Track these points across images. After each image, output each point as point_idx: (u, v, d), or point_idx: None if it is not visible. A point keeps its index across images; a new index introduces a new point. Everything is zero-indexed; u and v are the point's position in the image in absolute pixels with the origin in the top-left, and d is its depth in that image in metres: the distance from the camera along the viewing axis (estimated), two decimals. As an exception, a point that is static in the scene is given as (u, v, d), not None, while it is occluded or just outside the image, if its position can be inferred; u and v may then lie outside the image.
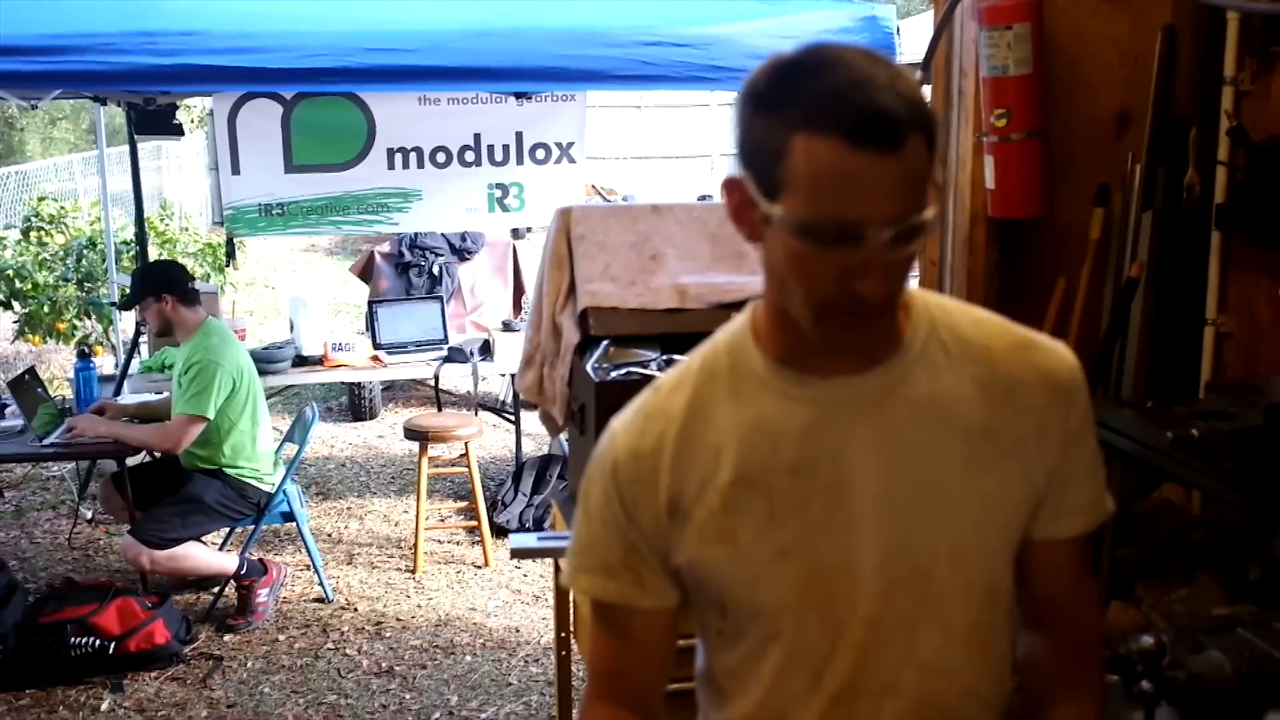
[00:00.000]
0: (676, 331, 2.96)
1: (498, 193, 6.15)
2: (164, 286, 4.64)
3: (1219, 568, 2.82)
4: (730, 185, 1.27)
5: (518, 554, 2.71)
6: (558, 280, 3.13)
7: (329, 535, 5.67)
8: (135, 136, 6.28)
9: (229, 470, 4.64)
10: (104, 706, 4.01)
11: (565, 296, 3.12)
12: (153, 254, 7.28)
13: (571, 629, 3.15)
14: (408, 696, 4.09)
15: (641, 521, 1.34)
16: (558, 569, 3.17)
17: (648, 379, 2.47)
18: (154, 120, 5.82)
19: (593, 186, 9.86)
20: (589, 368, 2.87)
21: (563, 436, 6.08)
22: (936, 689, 1.35)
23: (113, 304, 6.71)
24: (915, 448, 1.31)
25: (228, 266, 6.93)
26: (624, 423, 1.38)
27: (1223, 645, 1.94)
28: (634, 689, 1.37)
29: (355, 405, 7.64)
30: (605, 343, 2.98)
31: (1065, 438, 1.36)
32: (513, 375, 6.11)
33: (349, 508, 6.08)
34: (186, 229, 10.11)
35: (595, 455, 1.39)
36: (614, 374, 2.82)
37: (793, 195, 1.17)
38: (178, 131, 6.11)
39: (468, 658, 4.39)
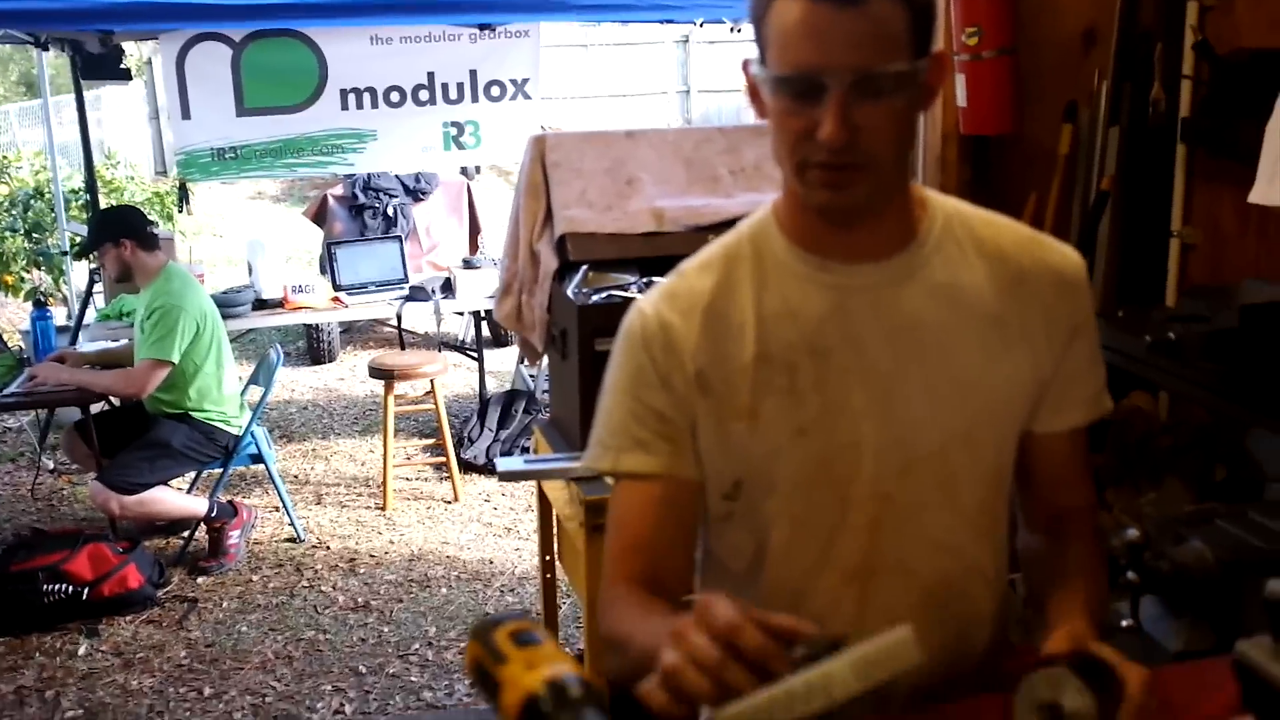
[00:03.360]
0: (654, 255, 2.98)
1: (453, 131, 6.12)
2: (122, 231, 4.58)
3: (1187, 471, 2.91)
4: (745, 64, 1.34)
5: (505, 477, 2.73)
6: (534, 208, 3.14)
7: (296, 477, 5.66)
8: (81, 81, 6.15)
9: (195, 414, 4.62)
10: (81, 651, 4.00)
11: (542, 223, 3.13)
12: (101, 203, 7.16)
13: (556, 553, 3.19)
14: (386, 629, 4.12)
15: (676, 387, 1.38)
16: (542, 495, 3.19)
17: (628, 302, 2.50)
18: (100, 65, 5.71)
19: (542, 127, 9.81)
20: (570, 292, 2.89)
21: (526, 371, 6.14)
22: (945, 567, 1.42)
23: (63, 253, 6.60)
24: (931, 333, 1.36)
25: (180, 211, 6.83)
26: (651, 301, 1.42)
27: (1203, 535, 2.01)
28: (664, 564, 1.39)
29: (314, 349, 7.60)
30: (584, 268, 2.99)
31: (1070, 330, 1.41)
32: (474, 313, 6.12)
33: (314, 449, 6.07)
34: (133, 178, 9.95)
35: (623, 334, 1.43)
36: (595, 298, 2.84)
37: (771, 55, 1.26)
38: (125, 76, 5.99)
39: (443, 590, 4.42)
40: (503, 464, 2.83)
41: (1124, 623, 2.06)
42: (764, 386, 1.36)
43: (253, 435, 4.79)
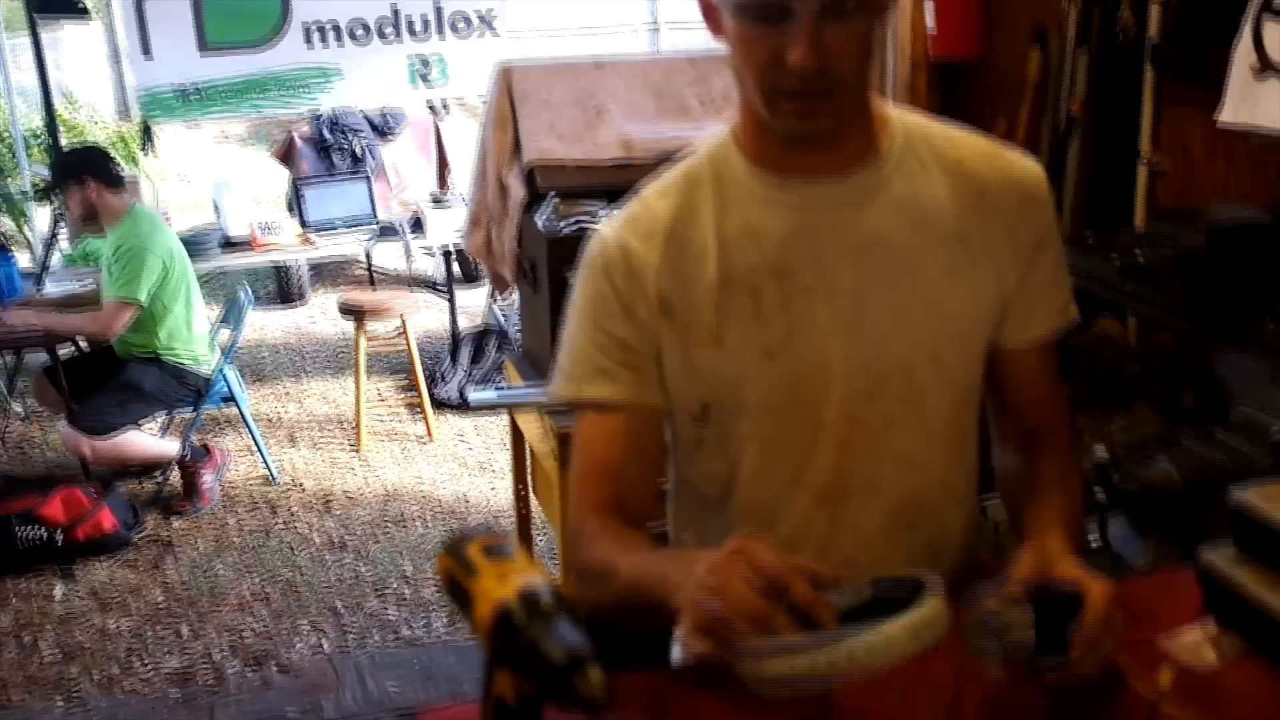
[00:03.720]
0: (624, 185, 2.96)
1: (419, 66, 6.05)
2: (87, 170, 4.51)
3: (1155, 396, 2.93)
4: None
5: (478, 407, 2.74)
6: (501, 139, 3.11)
7: (268, 418, 5.64)
8: (36, 16, 6.02)
9: (165, 356, 4.58)
10: (57, 595, 4.00)
11: (510, 155, 3.10)
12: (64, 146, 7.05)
13: (531, 488, 3.20)
14: (362, 568, 4.13)
15: (638, 314, 1.37)
16: (515, 429, 3.20)
17: (599, 232, 2.49)
18: (55, 1, 5.61)
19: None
20: (539, 223, 2.88)
21: (498, 309, 6.12)
22: (915, 485, 1.42)
23: (23, 193, 6.50)
24: (895, 250, 1.35)
25: (145, 153, 6.74)
26: (612, 226, 1.41)
27: (1170, 456, 2.03)
28: (630, 490, 1.40)
29: (283, 289, 7.54)
30: (553, 198, 2.97)
31: (1034, 243, 1.41)
32: (444, 251, 6.08)
33: (286, 391, 6.04)
34: (95, 120, 9.79)
35: (584, 262, 1.42)
36: (565, 228, 2.83)
37: None
38: (82, 12, 5.88)
39: (419, 527, 4.43)
40: (475, 395, 2.83)
41: (1092, 542, 2.09)
42: (728, 310, 1.36)
43: (224, 376, 4.76)
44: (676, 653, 1.61)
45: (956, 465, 1.46)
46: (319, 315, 7.31)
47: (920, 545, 1.45)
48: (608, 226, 1.42)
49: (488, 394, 2.83)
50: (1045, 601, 1.12)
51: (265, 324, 7.17)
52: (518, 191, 3.07)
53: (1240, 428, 2.09)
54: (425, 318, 6.85)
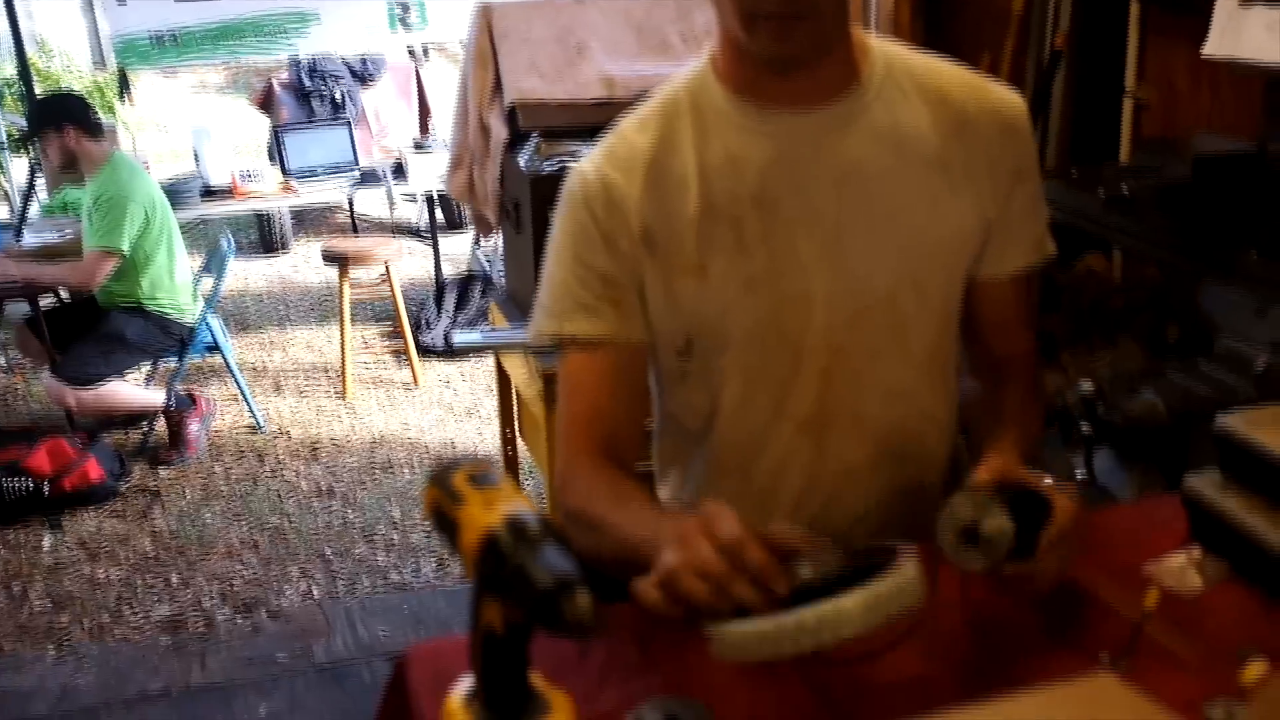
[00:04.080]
0: (606, 123, 2.93)
1: (398, 10, 5.98)
2: (65, 117, 4.45)
3: (1140, 331, 2.93)
4: None
5: (462, 349, 2.73)
6: (482, 78, 3.08)
7: (253, 367, 5.63)
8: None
9: (148, 305, 4.55)
10: (45, 545, 3.99)
11: (491, 94, 3.07)
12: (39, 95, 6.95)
13: (517, 429, 3.20)
14: (350, 514, 4.14)
15: (620, 247, 1.36)
16: (501, 372, 3.19)
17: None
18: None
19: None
20: (522, 163, 2.85)
21: (481, 254, 6.09)
22: (898, 414, 1.42)
23: (1, 146, 6.43)
24: (876, 178, 1.34)
25: (122, 101, 6.66)
26: (591, 160, 1.39)
27: (1155, 387, 2.04)
28: (617, 430, 1.39)
29: (266, 238, 7.49)
30: (535, 138, 2.95)
31: (1013, 172, 1.40)
32: (427, 197, 6.04)
33: (271, 339, 6.02)
34: (70, 70, 9.67)
35: (564, 196, 1.40)
36: (547, 168, 2.81)
37: None
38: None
39: (406, 473, 4.44)
40: (460, 337, 2.82)
41: (1078, 475, 2.10)
42: (710, 241, 1.35)
43: (208, 325, 4.74)
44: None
45: (939, 394, 1.46)
46: (302, 264, 7.27)
47: (905, 472, 1.46)
48: (587, 160, 1.41)
49: (472, 336, 2.82)
50: (1015, 498, 1.13)
51: (248, 273, 7.13)
52: (500, 131, 3.04)
53: (1224, 359, 2.10)
54: (409, 264, 6.82)
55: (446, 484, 0.94)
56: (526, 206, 2.83)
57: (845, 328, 1.36)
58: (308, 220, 7.98)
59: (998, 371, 1.50)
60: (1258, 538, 1.20)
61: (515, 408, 3.23)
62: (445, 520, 0.93)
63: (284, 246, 7.54)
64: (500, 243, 4.16)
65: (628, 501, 1.28)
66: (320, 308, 6.44)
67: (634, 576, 1.20)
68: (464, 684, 0.97)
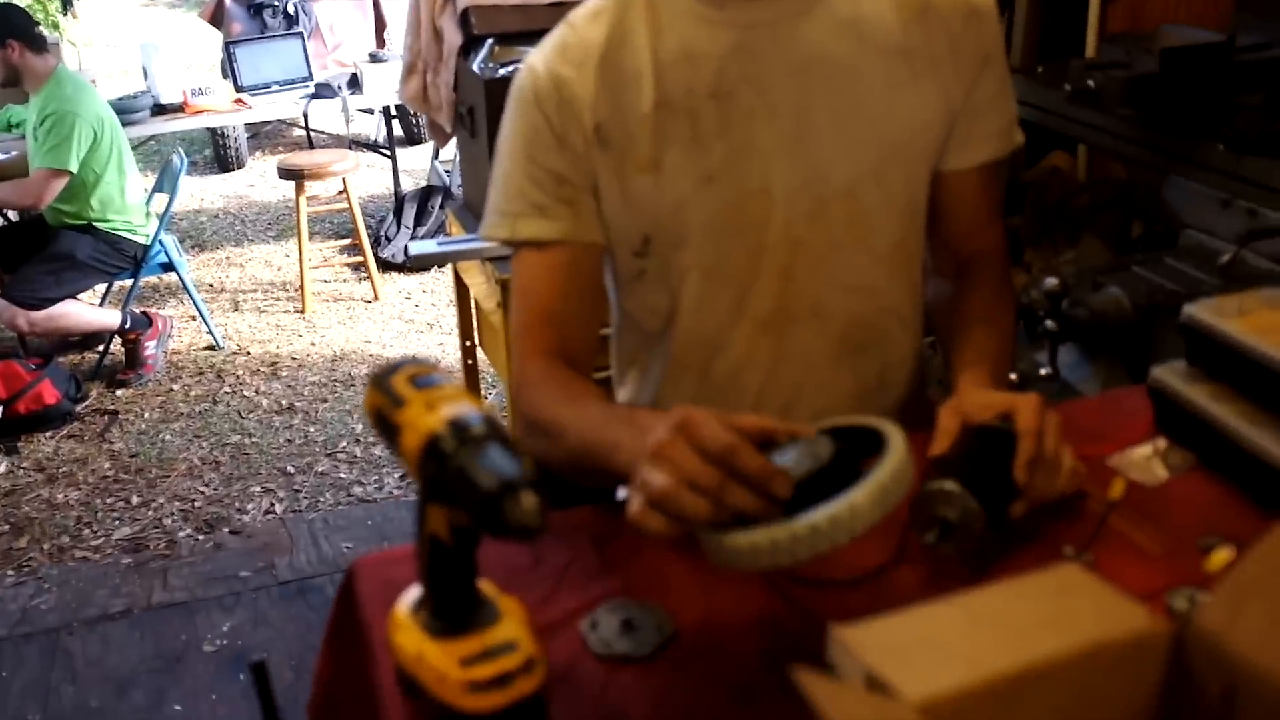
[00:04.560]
0: (561, 26, 2.86)
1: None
2: (7, 31, 4.31)
3: (1104, 229, 2.92)
4: None
5: (418, 260, 2.68)
6: (434, -19, 2.99)
7: (211, 285, 5.54)
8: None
9: (99, 224, 4.45)
10: (1, 469, 3.94)
11: (443, -2, 2.98)
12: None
13: (477, 338, 3.16)
14: (312, 429, 4.10)
15: (573, 144, 1.30)
16: (459, 282, 3.14)
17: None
18: None
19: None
20: (475, 68, 2.77)
21: (440, 166, 5.99)
22: (861, 310, 1.38)
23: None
24: (836, 68, 1.29)
25: (65, 14, 6.47)
26: (542, 55, 1.33)
27: (1120, 282, 2.01)
28: (573, 334, 1.35)
29: (221, 156, 7.35)
30: (489, 42, 2.86)
31: (978, 59, 1.35)
32: (384, 110, 5.93)
33: (227, 257, 5.93)
34: (11, -18, 9.38)
35: (514, 94, 1.34)
36: (502, 72, 2.73)
37: None
38: None
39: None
40: (415, 247, 2.76)
41: (1043, 371, 2.08)
42: (666, 135, 1.29)
43: (161, 244, 4.64)
44: (621, 493, 1.59)
45: (903, 290, 1.42)
46: (259, 180, 7.15)
47: (869, 369, 1.42)
48: (537, 56, 1.34)
49: (427, 245, 2.76)
50: (979, 456, 1.10)
51: (204, 191, 7.01)
52: (453, 36, 2.95)
53: (1189, 253, 2.08)
54: (368, 179, 6.71)
55: (387, 386, 0.89)
56: (481, 112, 2.75)
57: (805, 221, 1.32)
58: (264, 136, 7.84)
59: (966, 270, 1.46)
60: (1224, 427, 1.18)
61: (475, 319, 3.18)
62: (387, 424, 0.88)
63: (240, 163, 7.40)
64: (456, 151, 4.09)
65: (583, 402, 1.24)
66: (278, 224, 6.34)
67: (593, 483, 1.17)
68: (411, 593, 0.94)
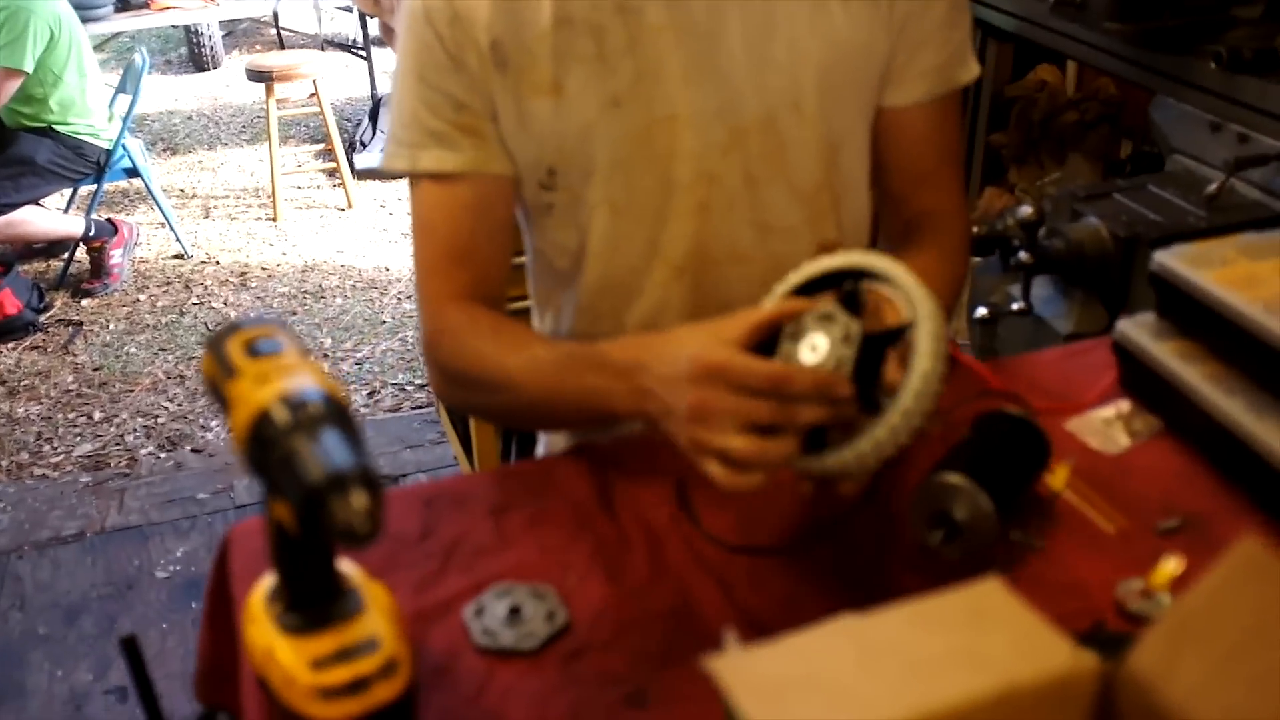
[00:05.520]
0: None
1: None
2: (-52, -80, 4.11)
3: (1091, 148, 2.78)
4: None
5: (364, 175, 2.54)
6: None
7: (181, 191, 5.39)
8: None
9: (59, 127, 4.29)
10: (-40, 382, 3.85)
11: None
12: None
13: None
14: (280, 344, 3.99)
15: (468, 65, 1.17)
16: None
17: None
18: None
19: None
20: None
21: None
22: (783, 252, 1.23)
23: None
24: None
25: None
26: None
27: (1099, 211, 1.89)
28: (485, 273, 1.22)
29: (195, 55, 7.14)
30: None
31: None
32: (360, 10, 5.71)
33: (200, 161, 5.76)
34: None
35: (405, 14, 1.20)
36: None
37: None
38: None
39: (338, 300, 4.28)
40: (360, 160, 2.62)
41: (1015, 306, 1.97)
42: (567, 54, 1.15)
43: (125, 148, 4.48)
44: (541, 448, 1.48)
45: (829, 233, 1.27)
46: (234, 81, 6.93)
47: None
48: None
49: (373, 159, 2.62)
50: (991, 433, 1.03)
51: (177, 91, 6.81)
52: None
53: (1174, 180, 1.95)
54: (344, 80, 6.51)
55: (221, 352, 0.78)
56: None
57: (719, 152, 1.19)
58: (241, 34, 7.61)
59: (911, 231, 1.31)
60: (1189, 390, 1.07)
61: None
62: (218, 396, 0.77)
63: (215, 63, 7.19)
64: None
65: (528, 350, 1.12)
66: (252, 127, 6.16)
67: (555, 426, 1.05)
68: (269, 579, 0.84)
